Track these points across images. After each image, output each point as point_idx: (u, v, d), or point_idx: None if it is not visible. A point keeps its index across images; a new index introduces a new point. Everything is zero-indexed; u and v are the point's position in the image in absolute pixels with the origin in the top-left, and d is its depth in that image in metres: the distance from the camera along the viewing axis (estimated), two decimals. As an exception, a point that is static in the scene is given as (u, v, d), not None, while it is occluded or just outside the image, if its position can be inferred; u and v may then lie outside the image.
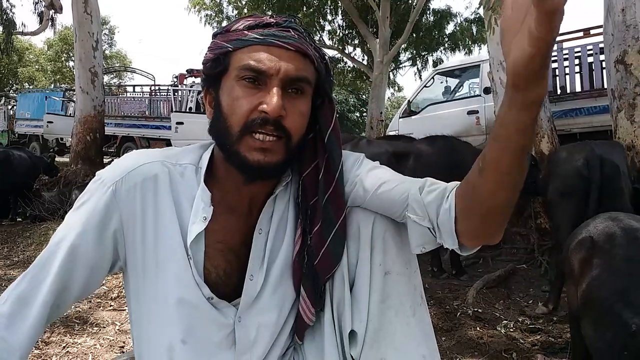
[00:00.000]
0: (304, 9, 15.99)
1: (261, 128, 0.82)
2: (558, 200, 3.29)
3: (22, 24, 16.49)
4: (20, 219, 6.51)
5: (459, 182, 0.86)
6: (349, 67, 18.03)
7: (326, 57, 0.92)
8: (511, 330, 2.95)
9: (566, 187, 3.24)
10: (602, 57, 5.28)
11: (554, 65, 5.98)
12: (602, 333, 1.35)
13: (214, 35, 0.90)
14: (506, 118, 0.68)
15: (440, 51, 17.28)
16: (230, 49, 0.85)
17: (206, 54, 0.90)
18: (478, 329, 2.97)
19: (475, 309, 3.23)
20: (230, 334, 0.91)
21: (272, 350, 0.95)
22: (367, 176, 0.92)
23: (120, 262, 0.90)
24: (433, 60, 17.13)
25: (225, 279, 0.91)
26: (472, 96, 7.03)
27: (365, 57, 17.15)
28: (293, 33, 0.86)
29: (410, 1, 15.68)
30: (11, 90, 24.92)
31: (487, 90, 5.88)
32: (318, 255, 0.89)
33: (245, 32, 0.85)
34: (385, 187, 0.90)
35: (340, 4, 15.69)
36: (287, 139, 0.84)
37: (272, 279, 0.93)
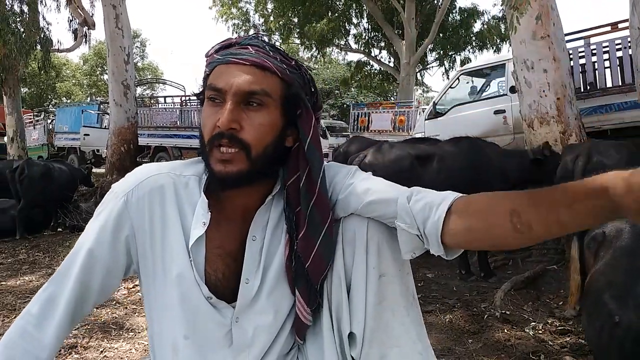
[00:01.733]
0: (329, 14, 16.09)
1: (219, 141, 0.90)
2: None
3: (58, 41, 17.14)
4: (60, 229, 6.77)
5: (456, 194, 0.91)
6: (375, 69, 18.01)
7: (302, 68, 0.98)
8: (540, 332, 2.92)
9: (557, 180, 3.32)
10: (631, 51, 5.15)
11: (582, 61, 5.87)
12: (593, 323, 1.38)
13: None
14: (583, 208, 0.72)
15: (468, 50, 17.11)
16: (207, 72, 0.95)
17: None
18: (505, 331, 2.95)
19: (503, 311, 3.21)
20: (228, 333, 0.98)
21: (271, 350, 1.01)
22: (359, 186, 0.98)
23: (134, 265, 0.99)
24: (461, 60, 16.97)
25: (223, 281, 0.98)
26: (499, 95, 6.95)
27: (392, 59, 17.11)
28: (251, 49, 0.92)
29: (435, 1, 15.57)
30: (50, 105, 25.85)
31: (513, 89, 5.81)
32: (308, 258, 0.95)
33: (214, 54, 0.95)
34: (376, 196, 0.95)
35: (365, 8, 15.71)
36: (246, 151, 0.90)
37: (268, 282, 0.99)
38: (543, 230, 0.79)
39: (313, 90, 1.00)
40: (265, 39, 0.96)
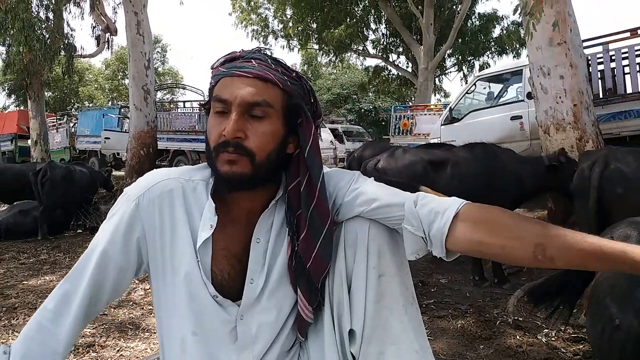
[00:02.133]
0: (348, 20, 16.15)
1: (225, 149, 0.95)
2: (575, 200, 3.40)
3: (82, 47, 17.55)
4: (80, 231, 6.92)
5: (462, 201, 0.97)
6: (393, 74, 18.00)
7: (302, 79, 1.03)
8: (552, 339, 2.90)
9: (574, 187, 3.35)
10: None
11: (600, 67, 5.82)
12: (595, 326, 1.39)
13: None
14: (613, 266, 0.84)
15: (487, 55, 16.99)
16: (212, 83, 1.01)
17: None
18: (518, 337, 2.94)
19: (516, 318, 3.19)
20: (233, 330, 1.03)
21: (273, 346, 1.06)
22: (365, 190, 1.03)
23: (145, 265, 1.05)
24: (479, 65, 16.86)
25: (229, 281, 1.03)
26: (516, 101, 6.91)
27: (410, 64, 17.08)
28: (254, 63, 0.98)
29: (454, 7, 15.52)
30: (72, 109, 26.37)
31: (530, 95, 5.78)
32: (309, 259, 1.00)
33: (219, 67, 1.00)
34: (383, 200, 1.00)
35: (383, 13, 15.74)
36: (251, 157, 0.96)
37: (272, 282, 1.04)
38: (563, 265, 0.88)
39: (313, 100, 1.05)
40: (268, 52, 1.02)
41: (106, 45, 14.55)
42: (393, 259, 1.01)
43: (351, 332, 1.01)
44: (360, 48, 17.62)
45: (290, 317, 1.07)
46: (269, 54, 1.01)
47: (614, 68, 5.76)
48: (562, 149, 4.06)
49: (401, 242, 1.01)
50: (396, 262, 1.02)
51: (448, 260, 0.98)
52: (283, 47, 18.10)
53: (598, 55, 5.85)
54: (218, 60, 1.03)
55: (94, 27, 14.29)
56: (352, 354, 1.02)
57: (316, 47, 18.06)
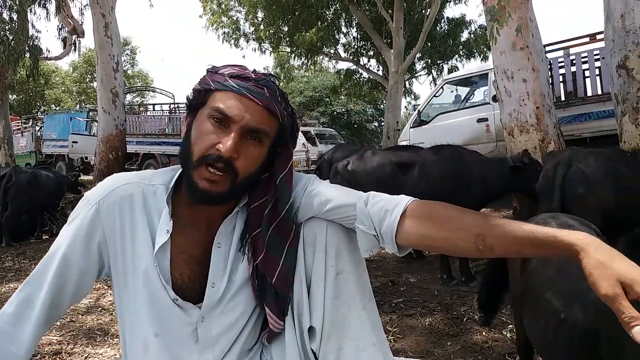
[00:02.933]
0: (319, 23, 16.19)
1: (214, 163, 0.96)
2: (540, 200, 3.50)
3: (47, 49, 17.07)
4: (47, 237, 6.76)
5: (410, 199, 1.02)
6: (364, 78, 18.14)
7: (295, 115, 1.08)
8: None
9: (539, 187, 3.45)
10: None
11: (562, 71, 6.01)
12: (537, 320, 1.44)
13: (207, 71, 1.06)
14: (546, 252, 0.89)
15: (456, 59, 17.28)
16: (212, 87, 1.00)
17: (196, 84, 1.05)
18: (484, 333, 3.02)
19: (482, 315, 3.28)
20: (194, 331, 1.05)
21: (234, 346, 1.08)
22: (320, 192, 1.07)
23: (106, 268, 1.06)
24: (448, 69, 17.12)
25: (190, 284, 1.05)
26: (482, 104, 7.08)
27: (381, 68, 17.24)
28: (266, 91, 1.00)
29: (423, 11, 15.74)
30: (38, 112, 25.70)
31: (495, 98, 5.94)
32: (274, 275, 1.03)
33: (228, 78, 1.00)
34: (336, 202, 1.04)
35: (354, 17, 15.86)
36: (234, 176, 0.98)
37: (234, 287, 1.06)
38: (502, 254, 0.93)
39: (296, 135, 1.11)
40: (277, 81, 1.05)
41: (73, 48, 14.24)
42: (350, 257, 1.05)
43: (311, 329, 1.04)
44: (332, 51, 17.70)
45: (252, 318, 1.10)
46: (277, 84, 1.04)
47: (575, 72, 5.96)
48: (526, 150, 4.18)
49: (357, 240, 1.05)
50: (353, 260, 1.06)
51: (400, 255, 1.02)
52: (255, 50, 18.03)
53: (559, 60, 6.06)
54: (225, 67, 1.03)
55: (60, 29, 13.95)
56: (312, 350, 1.05)
57: (288, 50, 18.05)
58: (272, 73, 1.05)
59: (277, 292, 1.03)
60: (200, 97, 1.02)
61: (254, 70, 1.03)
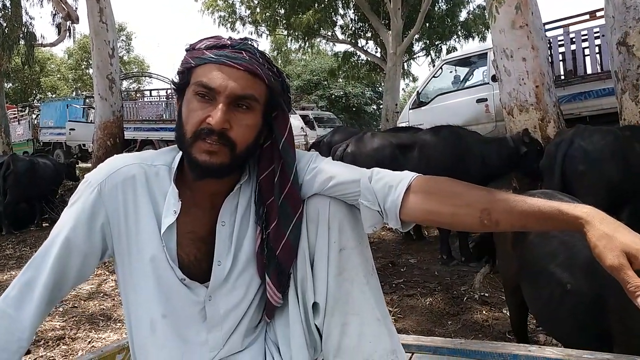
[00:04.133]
0: (316, 5, 16.01)
1: (207, 137, 0.95)
2: (544, 177, 3.50)
3: (42, 35, 16.91)
4: (46, 224, 6.78)
5: (414, 174, 1.01)
6: (362, 60, 18.00)
7: (282, 75, 1.05)
8: (517, 312, 3.01)
9: (542, 165, 3.46)
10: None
11: (561, 49, 5.96)
12: (540, 292, 1.45)
13: (185, 51, 1.03)
14: (551, 226, 0.89)
15: (454, 39, 17.13)
16: (192, 64, 0.99)
17: (179, 67, 1.04)
18: (484, 312, 3.05)
19: (482, 294, 3.31)
20: (202, 310, 1.05)
21: (241, 323, 1.09)
22: (323, 169, 1.06)
23: (109, 250, 1.05)
24: (447, 49, 16.98)
25: (196, 263, 1.05)
26: (481, 84, 7.03)
27: (379, 50, 17.10)
28: (245, 55, 0.97)
29: (421, -9, 15.55)
30: (35, 100, 25.55)
31: (494, 78, 5.89)
32: (279, 247, 1.03)
33: (205, 51, 0.98)
34: (340, 178, 1.03)
35: (350, -2, 15.70)
36: (232, 147, 0.97)
37: (239, 264, 1.06)
38: (507, 228, 0.93)
39: (288, 94, 1.08)
40: (256, 44, 1.02)
41: (68, 34, 14.06)
42: (353, 233, 1.05)
43: (315, 305, 1.04)
44: (329, 33, 17.52)
45: (257, 295, 1.10)
46: (257, 46, 1.02)
47: (574, 50, 5.91)
48: (526, 130, 4.17)
49: (359, 216, 1.04)
50: (356, 236, 1.05)
51: (403, 230, 1.03)
52: (251, 33, 17.83)
53: (559, 38, 5.99)
54: (201, 42, 1.01)
55: (55, 15, 13.82)
56: (316, 326, 1.05)
57: (285, 33, 17.88)
58: (250, 37, 1.01)
59: (279, 264, 1.03)
60: (184, 78, 1.01)
61: (229, 37, 1.01)
